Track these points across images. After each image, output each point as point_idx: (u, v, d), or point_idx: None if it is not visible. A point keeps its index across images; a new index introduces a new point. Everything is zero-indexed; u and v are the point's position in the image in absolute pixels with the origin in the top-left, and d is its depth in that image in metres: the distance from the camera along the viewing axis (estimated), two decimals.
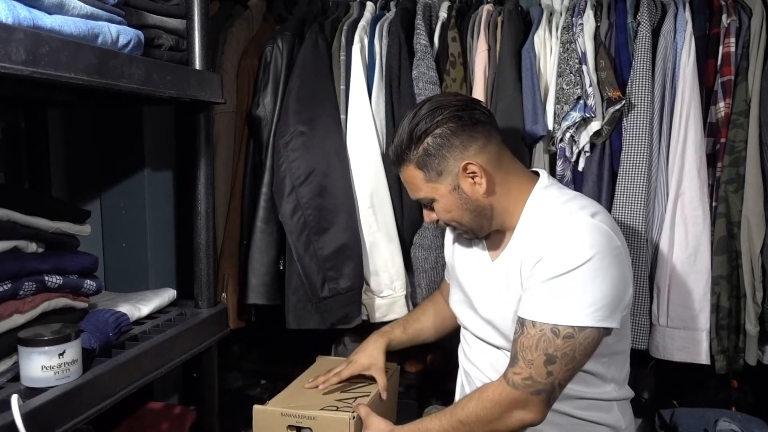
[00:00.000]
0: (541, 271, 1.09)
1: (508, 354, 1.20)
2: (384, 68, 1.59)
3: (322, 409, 1.27)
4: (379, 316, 1.63)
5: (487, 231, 1.22)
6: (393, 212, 1.58)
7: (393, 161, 1.21)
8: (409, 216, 1.59)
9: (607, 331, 1.10)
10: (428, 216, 1.24)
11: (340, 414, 1.24)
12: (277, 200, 1.55)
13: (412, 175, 1.18)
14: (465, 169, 1.15)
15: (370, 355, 1.41)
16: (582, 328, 1.06)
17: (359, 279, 1.59)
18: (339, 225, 1.56)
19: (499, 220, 1.20)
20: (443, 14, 1.64)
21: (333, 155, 1.56)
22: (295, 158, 1.53)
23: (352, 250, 1.57)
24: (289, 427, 1.27)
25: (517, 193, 1.19)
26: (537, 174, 1.24)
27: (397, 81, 1.57)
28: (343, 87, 1.59)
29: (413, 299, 1.64)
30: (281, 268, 1.60)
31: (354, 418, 1.23)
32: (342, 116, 1.59)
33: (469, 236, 1.26)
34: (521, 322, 1.10)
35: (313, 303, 1.56)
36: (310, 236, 1.54)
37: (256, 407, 1.29)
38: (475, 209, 1.18)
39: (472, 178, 1.16)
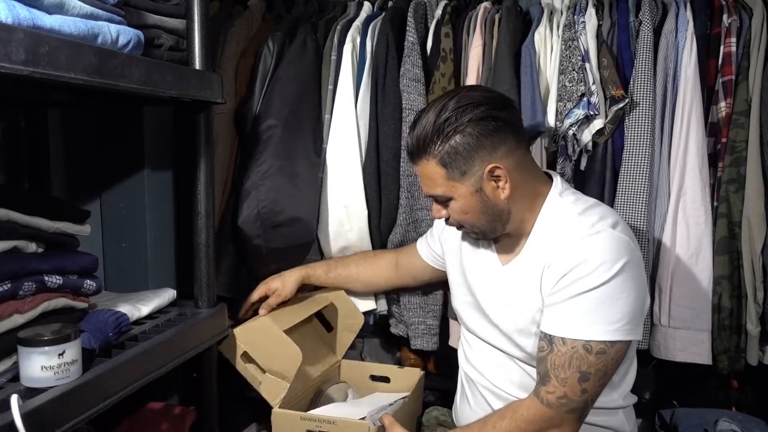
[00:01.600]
0: (567, 286, 1.07)
1: (516, 361, 1.19)
2: (372, 67, 1.59)
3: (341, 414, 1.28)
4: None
5: (498, 234, 1.19)
6: (367, 213, 1.57)
7: (411, 152, 1.16)
8: (386, 215, 1.59)
9: (630, 342, 1.10)
10: (438, 212, 1.19)
11: (360, 420, 1.24)
12: (237, 189, 1.53)
13: (431, 171, 1.13)
14: (491, 172, 1.10)
15: (282, 282, 1.46)
16: (613, 343, 1.06)
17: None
18: (295, 221, 1.53)
19: (513, 225, 1.17)
20: (439, 12, 1.63)
21: (301, 153, 1.54)
22: (261, 150, 1.52)
23: (304, 249, 1.57)
24: (309, 431, 1.27)
25: (533, 198, 1.17)
26: (549, 176, 1.21)
27: (383, 79, 1.57)
28: (331, 87, 1.59)
29: (386, 294, 1.64)
30: None
31: (375, 424, 1.23)
32: (326, 116, 1.58)
33: (477, 237, 1.23)
34: (549, 339, 1.09)
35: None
36: (264, 228, 1.52)
37: (275, 411, 1.32)
38: (494, 213, 1.14)
39: (496, 181, 1.12)
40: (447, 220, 1.20)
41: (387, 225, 1.60)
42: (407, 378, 1.52)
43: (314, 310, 1.54)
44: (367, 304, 1.63)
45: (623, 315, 1.06)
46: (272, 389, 1.36)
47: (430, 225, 1.53)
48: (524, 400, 1.13)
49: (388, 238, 1.60)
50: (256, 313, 1.46)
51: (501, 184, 1.12)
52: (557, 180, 1.21)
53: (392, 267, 1.51)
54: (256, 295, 1.46)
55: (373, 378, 1.58)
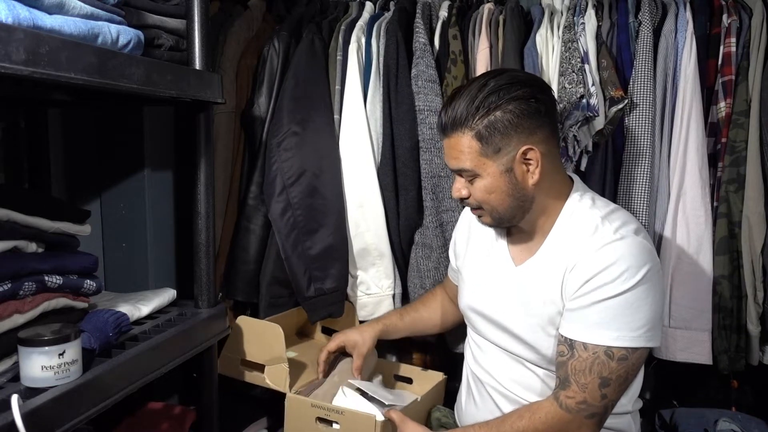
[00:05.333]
0: (591, 291, 1.07)
1: (526, 364, 1.18)
2: (381, 68, 1.59)
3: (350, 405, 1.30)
4: (365, 314, 1.64)
5: (515, 223, 1.17)
6: (384, 213, 1.58)
7: (444, 124, 1.12)
8: (405, 216, 1.59)
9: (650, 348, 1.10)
10: (458, 191, 1.15)
11: (368, 412, 1.24)
12: (267, 199, 1.55)
13: (465, 144, 1.09)
14: (524, 154, 1.09)
15: (360, 336, 1.43)
16: (635, 349, 1.05)
17: (344, 280, 1.60)
18: (328, 226, 1.56)
19: (532, 217, 1.16)
20: (444, 13, 1.64)
21: (325, 156, 1.56)
22: (288, 158, 1.53)
23: (339, 252, 1.58)
24: (318, 418, 1.29)
25: (556, 194, 1.16)
26: (570, 178, 1.21)
27: (395, 80, 1.57)
28: (338, 87, 1.60)
29: (414, 299, 1.63)
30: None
31: (382, 418, 1.23)
32: (336, 116, 1.59)
33: (491, 224, 1.19)
34: (569, 344, 1.08)
35: (298, 301, 1.60)
36: (299, 236, 1.55)
37: (289, 395, 1.35)
38: (518, 197, 1.12)
39: (527, 165, 1.10)
40: (464, 201, 1.17)
41: (406, 226, 1.59)
42: (429, 380, 1.53)
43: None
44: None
45: (645, 322, 1.05)
46: (276, 377, 1.38)
47: (455, 227, 1.53)
48: (543, 403, 1.12)
49: (407, 239, 1.61)
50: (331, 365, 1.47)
51: (531, 168, 1.10)
52: (577, 181, 1.21)
53: (453, 306, 1.49)
54: (333, 345, 1.44)
55: (396, 378, 1.59)
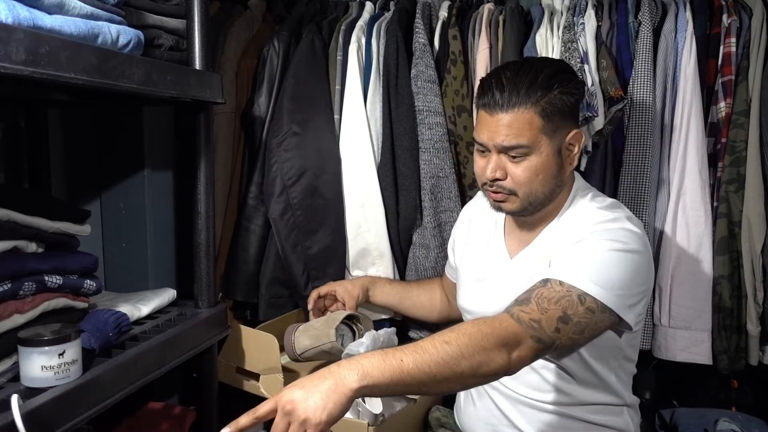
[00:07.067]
0: (577, 242, 1.08)
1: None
2: (381, 68, 1.59)
3: None
4: (366, 314, 1.63)
5: (538, 210, 1.17)
6: (384, 213, 1.58)
7: (501, 100, 1.09)
8: (405, 216, 1.59)
9: (618, 330, 1.09)
10: (494, 171, 1.12)
11: (359, 420, 1.25)
12: (266, 200, 1.56)
13: (527, 119, 1.08)
14: (572, 138, 1.12)
15: (350, 283, 1.49)
16: (604, 309, 1.01)
17: (341, 279, 1.60)
18: (328, 226, 1.57)
19: (548, 208, 1.18)
20: (444, 13, 1.64)
21: (325, 155, 1.57)
22: (288, 158, 1.53)
23: (338, 252, 1.58)
24: None
25: (569, 186, 1.19)
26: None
27: (395, 80, 1.57)
28: (338, 87, 1.60)
29: None
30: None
31: (372, 424, 1.23)
32: (336, 116, 1.59)
33: (516, 209, 1.16)
34: (544, 281, 1.03)
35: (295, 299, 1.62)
36: (299, 236, 1.55)
37: None
38: (558, 181, 1.14)
39: (570, 150, 1.13)
40: (495, 183, 1.14)
41: (406, 226, 1.59)
42: None
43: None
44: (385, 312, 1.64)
45: (623, 287, 1.02)
46: (271, 387, 1.38)
47: (454, 225, 1.53)
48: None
49: (406, 239, 1.61)
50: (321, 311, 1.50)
51: (571, 156, 1.14)
52: (579, 177, 1.23)
53: (446, 300, 1.50)
54: (324, 289, 1.49)
55: None
